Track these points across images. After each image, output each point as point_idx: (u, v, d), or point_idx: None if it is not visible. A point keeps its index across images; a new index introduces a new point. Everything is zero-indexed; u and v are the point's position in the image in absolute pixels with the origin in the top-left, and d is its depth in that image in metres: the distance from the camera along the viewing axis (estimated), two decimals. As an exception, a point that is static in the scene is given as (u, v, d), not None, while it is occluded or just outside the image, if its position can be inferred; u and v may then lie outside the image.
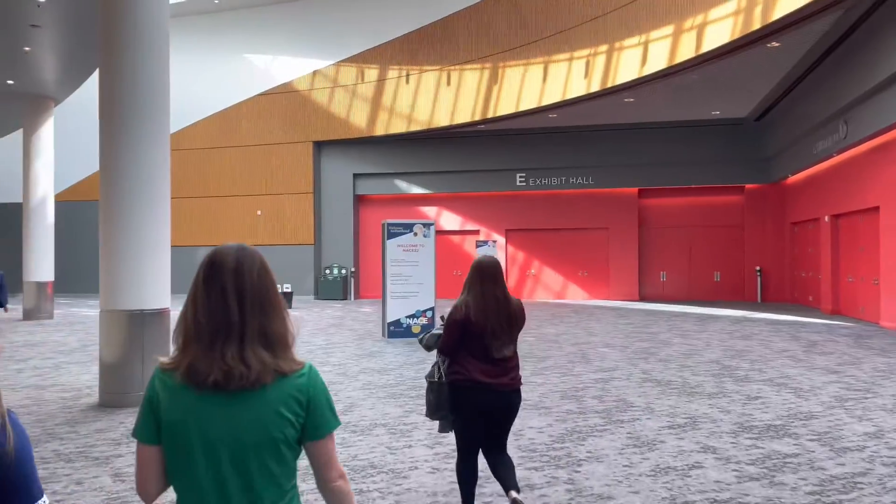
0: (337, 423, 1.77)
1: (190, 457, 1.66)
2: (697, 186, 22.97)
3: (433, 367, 4.07)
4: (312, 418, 1.72)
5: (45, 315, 17.34)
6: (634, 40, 17.01)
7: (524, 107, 20.25)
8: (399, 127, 23.31)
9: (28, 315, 17.14)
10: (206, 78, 25.63)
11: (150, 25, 7.42)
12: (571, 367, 9.76)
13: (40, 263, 17.62)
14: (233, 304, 1.69)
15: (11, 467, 1.44)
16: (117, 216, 7.31)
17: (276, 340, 1.71)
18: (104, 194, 7.46)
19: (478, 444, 4.06)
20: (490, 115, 21.14)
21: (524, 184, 23.89)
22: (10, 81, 15.96)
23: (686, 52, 15.36)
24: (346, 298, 24.20)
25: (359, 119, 24.00)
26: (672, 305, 20.76)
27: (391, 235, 12.54)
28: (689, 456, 5.51)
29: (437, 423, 4.98)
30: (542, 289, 24.29)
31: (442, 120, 22.39)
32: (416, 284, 12.54)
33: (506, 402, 3.98)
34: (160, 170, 7.56)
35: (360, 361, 10.34)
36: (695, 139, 22.20)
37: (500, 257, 16.29)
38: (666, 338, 12.98)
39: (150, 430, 1.71)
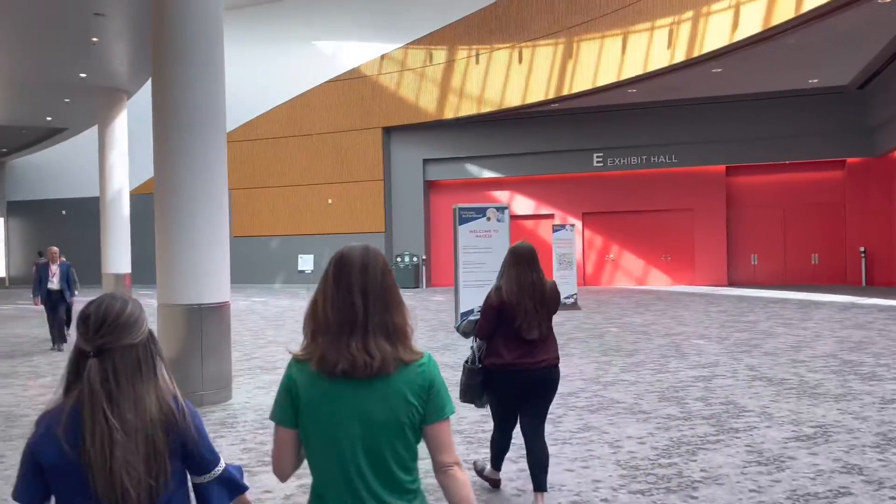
0: (454, 408, 1.89)
1: (327, 438, 1.78)
2: (792, 162, 21.23)
3: (471, 352, 4.19)
4: (433, 402, 1.83)
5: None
6: (724, 4, 15.62)
7: (601, 82, 19.09)
8: (469, 109, 22.52)
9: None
10: (274, 67, 25.48)
11: (201, 30, 6.92)
12: (665, 363, 8.81)
13: (117, 256, 17.81)
14: (358, 299, 1.82)
15: (194, 439, 1.81)
16: (173, 209, 6.86)
17: (397, 332, 1.85)
18: (159, 187, 7.03)
19: (512, 424, 4.25)
20: (565, 92, 20.07)
21: (601, 164, 22.70)
22: (82, 74, 16.02)
23: (784, 13, 13.94)
24: (417, 287, 23.68)
25: (428, 103, 23.33)
26: (766, 291, 19.26)
27: (463, 221, 11.78)
28: (830, 478, 4.55)
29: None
30: (622, 275, 23.09)
31: (514, 100, 21.45)
32: (489, 272, 11.75)
33: (540, 378, 4.04)
34: (216, 161, 7.06)
35: (433, 356, 9.67)
36: (789, 111, 20.47)
37: (577, 242, 15.31)
38: (766, 327, 11.77)
39: (289, 414, 1.83)
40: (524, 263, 4.07)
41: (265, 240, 25.83)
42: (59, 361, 9.86)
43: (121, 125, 17.84)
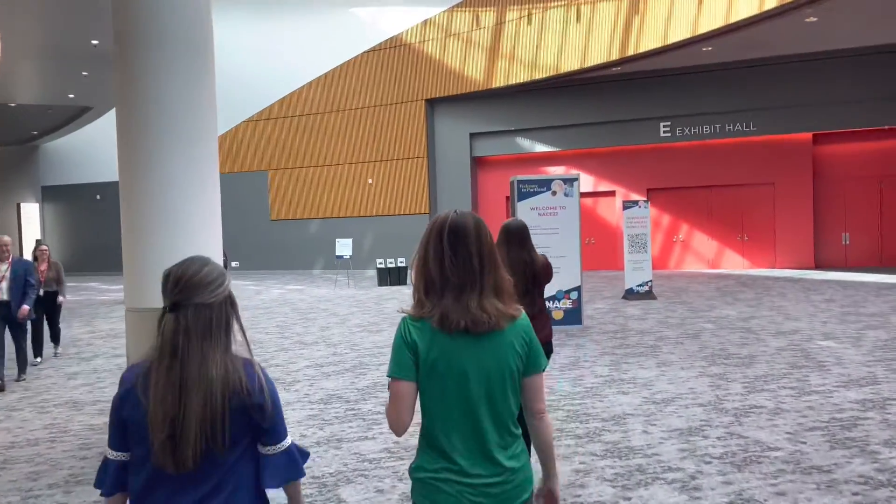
0: (546, 362, 2.09)
1: (449, 387, 1.93)
2: (891, 128, 18.58)
3: None
4: (532, 355, 2.02)
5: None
6: (828, -64, 13.18)
7: (673, 39, 16.77)
8: (520, 76, 20.40)
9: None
10: (309, 39, 23.71)
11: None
12: (803, 377, 6.74)
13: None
14: (476, 263, 1.97)
15: (262, 407, 1.85)
16: (142, 206, 4.97)
17: (504, 291, 2.01)
18: (124, 183, 5.12)
19: None
20: (630, 53, 17.79)
21: (669, 134, 20.37)
22: (94, 42, 14.47)
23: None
24: (466, 272, 21.81)
25: (475, 71, 21.28)
26: (863, 274, 16.82)
27: (522, 196, 9.83)
28: None
29: None
30: (692, 257, 20.79)
31: (571, 64, 19.26)
32: (556, 258, 9.77)
33: None
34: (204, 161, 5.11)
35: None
36: (891, 68, 17.82)
37: (648, 221, 13.21)
38: (900, 323, 9.56)
39: (408, 368, 1.94)
40: (516, 242, 4.03)
41: (303, 223, 24.26)
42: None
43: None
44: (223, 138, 25.46)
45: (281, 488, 1.92)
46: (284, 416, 1.92)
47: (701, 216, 20.64)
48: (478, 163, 22.79)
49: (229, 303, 1.86)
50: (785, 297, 12.98)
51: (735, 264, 20.38)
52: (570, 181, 9.85)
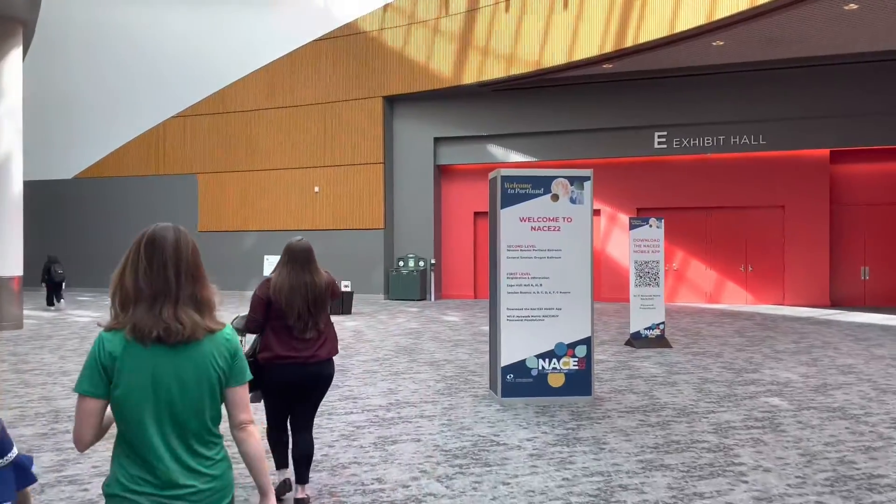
0: (250, 375, 2.12)
1: (144, 398, 1.93)
2: (923, 145, 16.04)
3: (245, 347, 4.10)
4: (236, 367, 2.05)
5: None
6: None
7: (683, 27, 13.91)
8: (495, 71, 17.38)
9: None
10: (251, 25, 20.39)
11: None
12: None
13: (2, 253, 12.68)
14: (171, 274, 1.97)
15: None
16: None
17: (205, 304, 2.02)
18: None
19: (285, 417, 4.21)
20: (628, 44, 14.90)
21: (665, 146, 17.54)
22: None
23: None
24: (424, 298, 18.59)
25: (442, 64, 18.20)
26: (888, 315, 14.06)
27: (508, 200, 6.64)
28: None
29: None
30: (688, 289, 17.89)
31: (556, 57, 16.31)
32: (554, 294, 6.62)
33: (314, 373, 4.04)
34: None
35: (453, 474, 4.58)
36: (927, 75, 15.30)
37: (661, 244, 10.14)
38: None
39: (96, 384, 1.93)
40: (298, 263, 4.01)
41: (236, 235, 20.74)
42: None
43: (11, 71, 12.65)
44: (148, 135, 21.86)
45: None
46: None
47: (699, 242, 17.78)
48: (442, 171, 19.64)
49: None
50: (838, 349, 10.00)
51: (737, 298, 17.53)
52: (579, 180, 6.68)
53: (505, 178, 6.63)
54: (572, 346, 6.62)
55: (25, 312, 13.80)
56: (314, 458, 4.36)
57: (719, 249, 17.70)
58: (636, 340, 10.15)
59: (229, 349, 2.02)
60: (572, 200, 6.66)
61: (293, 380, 3.97)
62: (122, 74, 21.68)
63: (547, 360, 6.58)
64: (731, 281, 17.69)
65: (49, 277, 16.82)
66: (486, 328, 12.72)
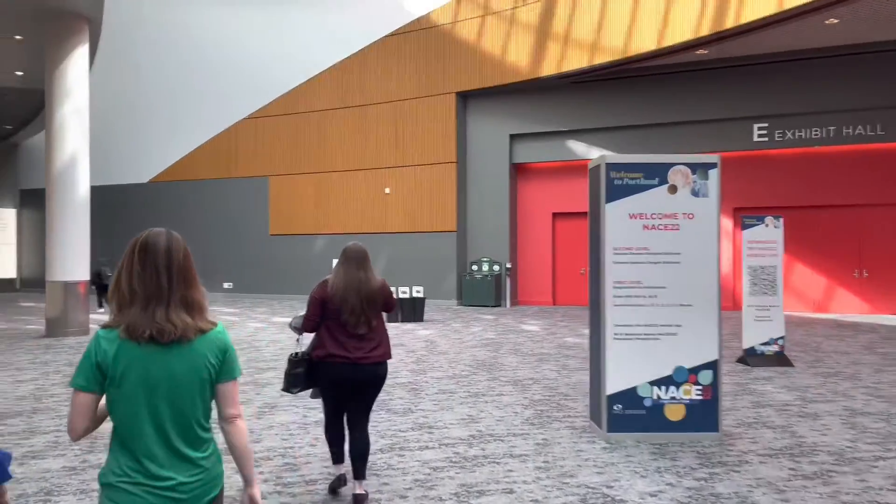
0: (240, 371, 2.18)
1: (137, 394, 1.99)
2: None
3: (297, 344, 4.48)
4: (227, 364, 2.12)
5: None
6: None
7: (793, 3, 12.41)
8: (577, 62, 16.19)
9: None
10: (320, 23, 19.85)
11: None
12: None
13: (71, 259, 12.35)
14: (163, 279, 2.05)
15: None
16: None
17: (195, 307, 2.08)
18: None
19: (341, 415, 4.33)
20: (729, 25, 13.47)
21: (766, 139, 15.94)
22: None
23: None
24: (498, 305, 17.56)
25: (519, 56, 17.12)
26: None
27: (615, 193, 5.54)
28: None
29: None
30: (793, 296, 16.15)
31: (644, 44, 15.00)
32: (675, 307, 5.47)
33: (367, 372, 4.10)
34: None
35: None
36: None
37: (780, 247, 8.73)
38: None
39: (90, 379, 1.99)
40: (353, 262, 4.17)
41: (307, 239, 20.21)
42: None
43: (77, 68, 12.31)
44: (220, 139, 21.63)
45: None
46: None
47: (806, 245, 16.05)
48: (518, 170, 18.55)
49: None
50: None
51: (849, 307, 15.73)
52: (702, 167, 5.52)
53: (611, 166, 5.52)
54: (695, 370, 5.44)
55: (91, 317, 13.46)
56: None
57: (828, 253, 15.94)
58: (751, 358, 8.80)
59: (220, 346, 2.10)
60: (694, 193, 5.49)
61: (343, 379, 4.08)
62: (189, 76, 21.54)
63: (664, 387, 5.42)
64: (843, 287, 15.89)
65: (99, 281, 17.06)
66: (571, 339, 11.55)
